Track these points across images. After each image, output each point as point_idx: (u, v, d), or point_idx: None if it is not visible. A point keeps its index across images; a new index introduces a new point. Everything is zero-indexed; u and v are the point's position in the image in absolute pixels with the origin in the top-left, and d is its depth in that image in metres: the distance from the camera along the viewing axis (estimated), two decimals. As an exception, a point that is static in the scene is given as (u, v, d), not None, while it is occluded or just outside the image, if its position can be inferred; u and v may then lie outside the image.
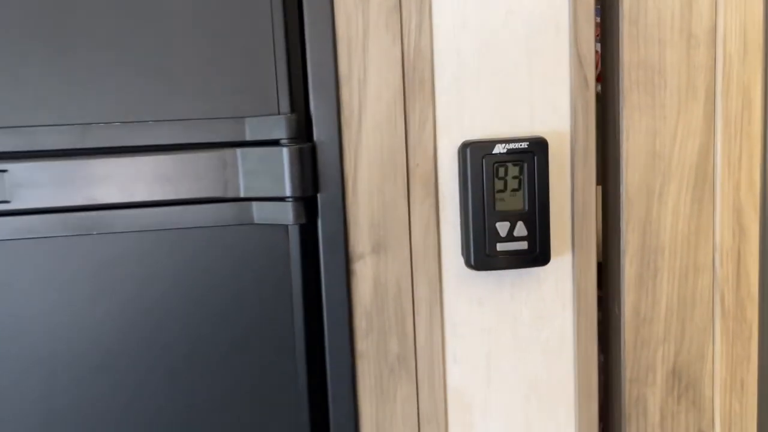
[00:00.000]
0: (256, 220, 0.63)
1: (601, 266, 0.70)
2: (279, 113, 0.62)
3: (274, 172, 0.61)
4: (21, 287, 0.61)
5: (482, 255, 0.63)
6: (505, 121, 0.65)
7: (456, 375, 0.68)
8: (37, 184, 0.59)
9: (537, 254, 0.63)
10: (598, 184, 0.68)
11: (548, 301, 0.68)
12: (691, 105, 0.65)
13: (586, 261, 0.67)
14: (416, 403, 0.67)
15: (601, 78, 0.70)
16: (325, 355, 0.65)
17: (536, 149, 0.62)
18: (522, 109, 0.65)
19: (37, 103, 0.59)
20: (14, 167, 0.59)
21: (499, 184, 0.62)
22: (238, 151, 0.61)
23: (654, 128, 0.65)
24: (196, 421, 0.64)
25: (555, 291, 0.68)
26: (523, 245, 0.63)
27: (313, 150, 0.63)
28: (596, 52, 0.68)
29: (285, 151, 0.61)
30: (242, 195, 0.62)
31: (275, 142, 0.62)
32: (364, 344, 0.65)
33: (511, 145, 0.62)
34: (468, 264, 0.64)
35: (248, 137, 0.61)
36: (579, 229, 0.66)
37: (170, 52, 0.60)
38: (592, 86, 0.65)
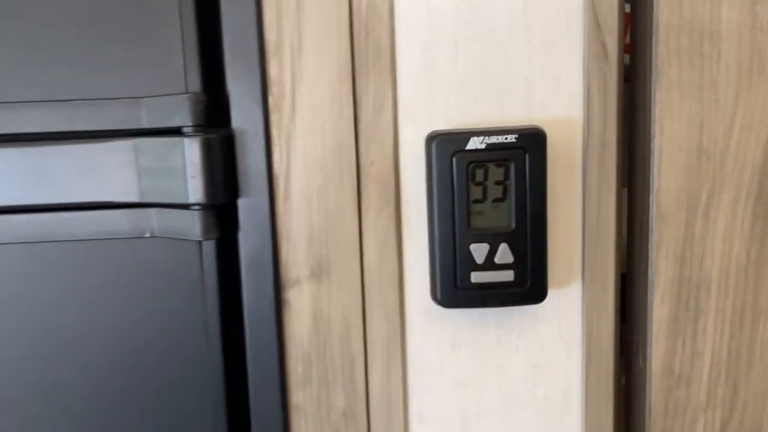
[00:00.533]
0: (158, 233, 0.49)
1: (623, 303, 0.54)
2: (187, 92, 0.47)
3: (176, 169, 0.47)
4: None
5: (451, 288, 0.46)
6: (491, 105, 0.49)
7: (422, 439, 0.53)
8: None
9: (527, 288, 0.47)
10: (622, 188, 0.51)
11: (548, 346, 0.52)
12: (755, 83, 0.48)
13: (600, 295, 0.51)
14: (368, 474, 0.52)
15: (628, 47, 0.52)
16: (249, 409, 0.52)
17: (529, 144, 0.45)
18: (515, 89, 0.49)
19: None
20: None
21: (475, 192, 0.46)
22: (133, 141, 0.49)
23: (701, 115, 0.48)
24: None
25: (557, 334, 0.51)
26: (508, 276, 0.46)
27: (230, 141, 0.48)
28: (626, 13, 0.50)
29: (186, 142, 0.46)
30: (138, 199, 0.49)
31: (178, 131, 0.47)
32: (300, 396, 0.51)
33: (493, 138, 0.45)
34: (434, 298, 0.48)
35: (146, 124, 0.50)
36: (591, 252, 0.50)
37: (43, 11, 0.47)
38: (613, 57, 0.48)
